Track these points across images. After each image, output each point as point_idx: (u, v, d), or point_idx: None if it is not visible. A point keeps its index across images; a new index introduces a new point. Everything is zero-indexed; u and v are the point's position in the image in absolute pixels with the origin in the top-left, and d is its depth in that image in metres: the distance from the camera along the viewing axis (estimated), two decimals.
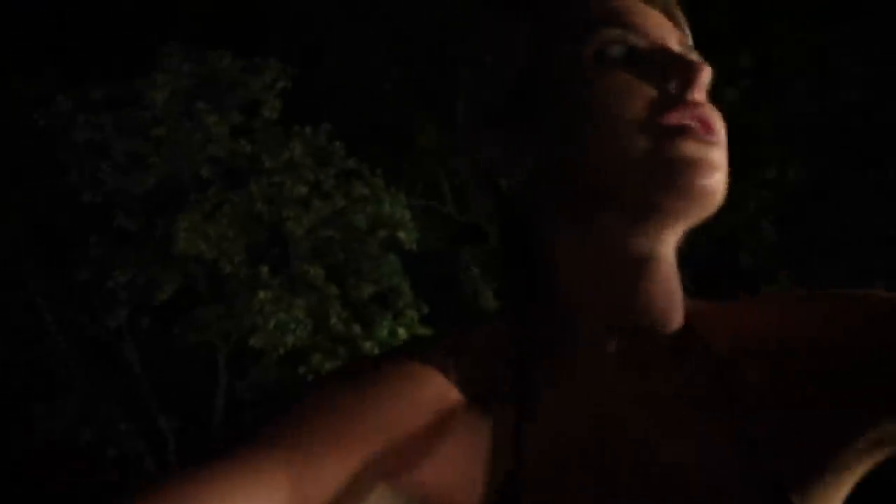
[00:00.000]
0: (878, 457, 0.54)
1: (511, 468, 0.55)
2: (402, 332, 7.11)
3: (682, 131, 0.53)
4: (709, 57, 0.59)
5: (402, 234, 7.14)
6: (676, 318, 0.58)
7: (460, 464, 0.55)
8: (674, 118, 0.53)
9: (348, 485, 0.50)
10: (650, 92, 0.54)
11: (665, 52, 0.56)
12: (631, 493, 0.54)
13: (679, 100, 0.54)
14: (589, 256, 0.57)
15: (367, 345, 7.05)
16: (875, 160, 6.36)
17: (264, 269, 7.20)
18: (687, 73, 0.54)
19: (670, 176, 0.52)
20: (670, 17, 0.60)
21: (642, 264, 0.56)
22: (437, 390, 0.56)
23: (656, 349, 0.57)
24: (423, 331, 7.21)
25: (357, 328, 7.08)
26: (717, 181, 0.53)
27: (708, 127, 0.53)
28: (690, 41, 0.61)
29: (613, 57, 0.55)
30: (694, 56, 0.57)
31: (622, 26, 0.56)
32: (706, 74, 0.54)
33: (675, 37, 0.58)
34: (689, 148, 0.53)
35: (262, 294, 7.06)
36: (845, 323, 0.55)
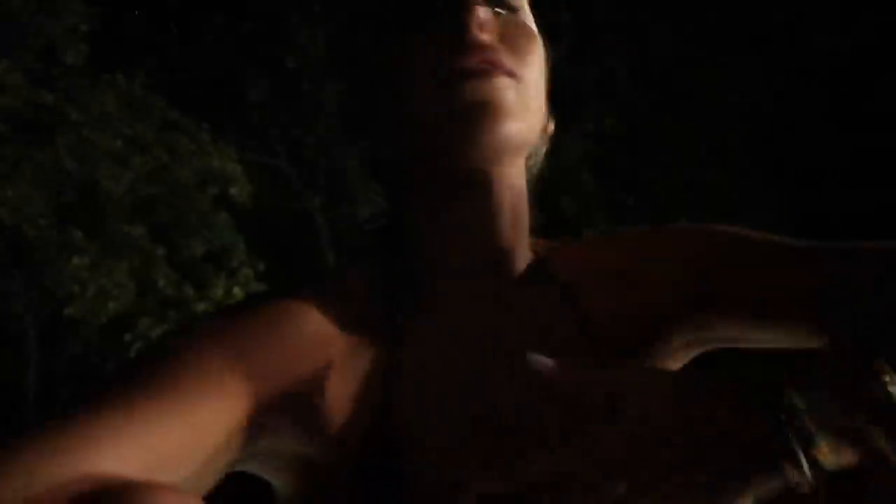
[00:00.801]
0: (694, 351, 0.65)
1: (385, 394, 0.58)
2: (238, 292, 6.84)
3: (466, 75, 0.52)
4: (533, 17, 0.62)
5: (233, 190, 6.83)
6: (524, 250, 0.65)
7: (343, 393, 0.57)
8: (457, 63, 0.53)
9: (244, 422, 0.52)
10: (441, 41, 0.55)
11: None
12: (497, 407, 0.59)
13: (462, 44, 0.53)
14: (440, 198, 0.62)
15: (201, 306, 6.70)
16: (679, 115, 7.10)
17: (77, 233, 6.57)
18: (460, 16, 0.52)
19: (457, 123, 0.53)
20: None
21: (482, 188, 0.61)
22: (317, 325, 0.58)
23: (506, 281, 0.64)
24: (260, 289, 6.98)
25: (189, 289, 6.71)
26: (504, 126, 0.53)
27: (495, 65, 0.53)
28: None
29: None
30: None
31: None
32: (478, 13, 0.53)
33: None
34: (472, 90, 0.52)
35: (76, 260, 6.45)
36: (665, 247, 0.65)
